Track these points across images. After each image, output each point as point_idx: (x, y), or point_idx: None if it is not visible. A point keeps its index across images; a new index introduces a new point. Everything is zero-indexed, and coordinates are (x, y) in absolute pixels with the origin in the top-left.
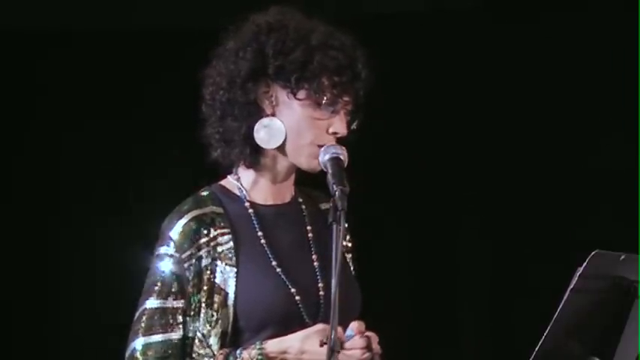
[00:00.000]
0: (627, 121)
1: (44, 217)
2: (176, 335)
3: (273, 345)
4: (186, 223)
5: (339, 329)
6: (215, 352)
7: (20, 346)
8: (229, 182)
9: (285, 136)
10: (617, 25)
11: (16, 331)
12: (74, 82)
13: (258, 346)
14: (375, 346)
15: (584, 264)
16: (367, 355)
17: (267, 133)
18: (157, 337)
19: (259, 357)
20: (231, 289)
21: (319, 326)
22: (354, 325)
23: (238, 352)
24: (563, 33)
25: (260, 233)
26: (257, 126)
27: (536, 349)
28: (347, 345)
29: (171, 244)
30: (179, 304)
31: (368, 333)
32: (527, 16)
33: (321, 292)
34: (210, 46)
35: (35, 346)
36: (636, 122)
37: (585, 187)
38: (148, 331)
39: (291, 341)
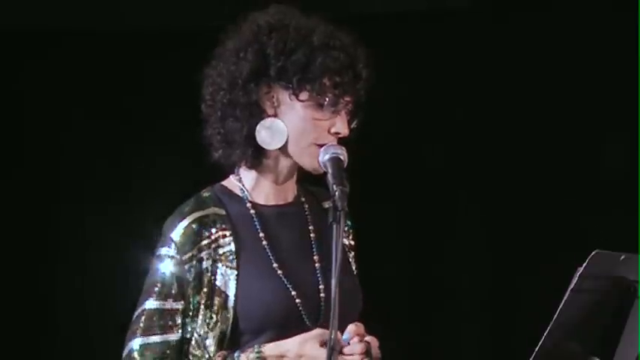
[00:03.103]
0: (628, 121)
1: (43, 218)
2: (174, 337)
3: (271, 349)
4: (187, 225)
5: (337, 333)
6: (211, 354)
7: (21, 346)
8: (231, 182)
9: (287, 136)
10: (617, 25)
11: (16, 331)
12: (73, 82)
13: (256, 350)
14: (375, 352)
15: (584, 264)
16: None
17: (268, 134)
18: (155, 338)
19: None
20: (231, 292)
21: (318, 331)
22: (352, 329)
23: (236, 354)
24: (562, 31)
25: (262, 234)
26: (258, 127)
27: (536, 349)
28: (346, 350)
29: (173, 245)
30: (178, 305)
31: (367, 338)
32: (526, 15)
33: (322, 294)
34: (210, 45)
35: (36, 345)
36: (636, 122)
37: (585, 187)
38: (147, 332)
39: (289, 345)
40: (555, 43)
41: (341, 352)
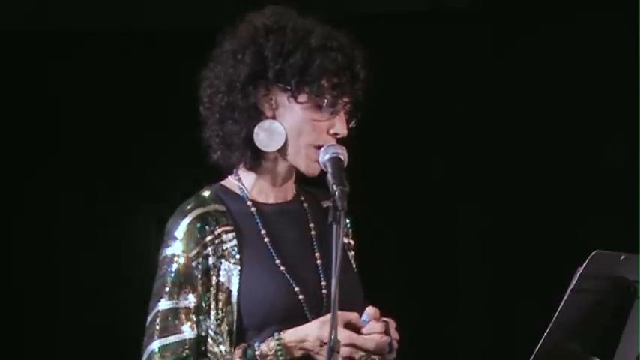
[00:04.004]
0: (628, 122)
1: (45, 219)
2: (191, 334)
3: (291, 334)
4: (190, 222)
5: (355, 315)
6: (226, 350)
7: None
8: (230, 182)
9: (286, 138)
10: (618, 25)
11: (22, 334)
12: (73, 82)
13: (276, 337)
14: (394, 332)
15: (584, 264)
16: (386, 338)
17: (267, 136)
18: (173, 338)
19: (278, 347)
20: (234, 287)
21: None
22: (370, 311)
23: (256, 345)
24: (562, 32)
25: (263, 231)
26: (256, 129)
27: (536, 349)
28: (365, 330)
29: (178, 243)
30: (191, 303)
31: (386, 319)
32: (526, 15)
33: (324, 290)
34: (209, 46)
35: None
36: (636, 122)
37: (585, 187)
38: (164, 333)
39: (309, 329)
40: (556, 44)
41: (360, 332)
